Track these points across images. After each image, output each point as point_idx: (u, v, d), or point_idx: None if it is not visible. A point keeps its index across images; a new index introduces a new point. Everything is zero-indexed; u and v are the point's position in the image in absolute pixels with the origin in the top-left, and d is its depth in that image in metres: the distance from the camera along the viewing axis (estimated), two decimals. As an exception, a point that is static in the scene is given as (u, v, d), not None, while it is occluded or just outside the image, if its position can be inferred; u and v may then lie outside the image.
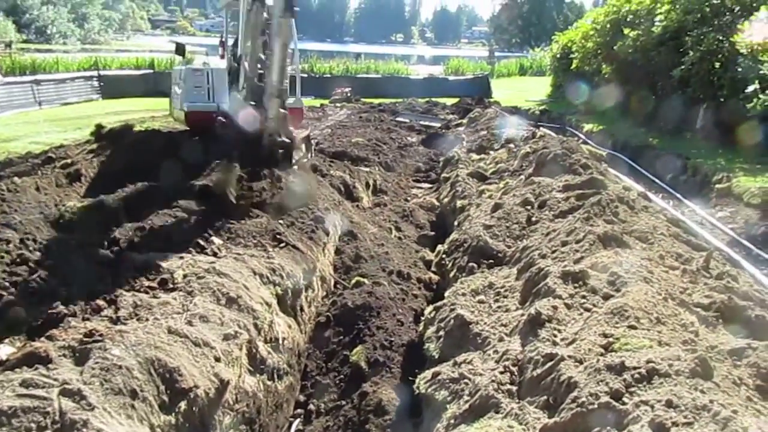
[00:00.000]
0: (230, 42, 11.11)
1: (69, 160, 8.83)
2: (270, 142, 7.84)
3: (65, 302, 3.87)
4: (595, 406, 2.79)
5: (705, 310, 4.07)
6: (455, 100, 26.58)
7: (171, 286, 4.54)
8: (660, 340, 3.37)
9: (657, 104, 17.58)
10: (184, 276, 4.74)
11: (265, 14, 7.97)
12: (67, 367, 3.17)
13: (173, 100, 11.99)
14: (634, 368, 2.98)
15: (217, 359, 3.93)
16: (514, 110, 22.88)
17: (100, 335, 3.45)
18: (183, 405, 3.47)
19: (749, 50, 11.03)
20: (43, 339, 3.41)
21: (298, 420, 5.00)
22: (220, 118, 8.60)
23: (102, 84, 25.04)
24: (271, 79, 7.80)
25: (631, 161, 14.49)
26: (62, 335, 3.45)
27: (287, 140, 8.06)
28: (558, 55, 27.78)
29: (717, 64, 14.39)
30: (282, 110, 8.05)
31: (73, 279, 4.28)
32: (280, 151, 8.05)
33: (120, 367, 3.23)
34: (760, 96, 10.65)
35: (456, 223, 8.24)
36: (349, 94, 27.54)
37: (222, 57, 11.89)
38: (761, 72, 10.74)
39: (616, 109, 19.75)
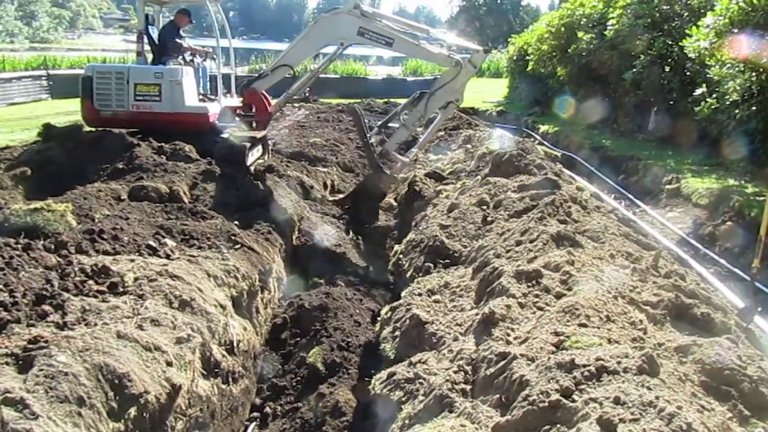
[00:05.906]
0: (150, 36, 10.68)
1: (15, 162, 8.53)
2: None
3: (8, 308, 3.73)
4: (546, 404, 2.83)
5: (653, 308, 4.16)
6: (414, 101, 26.60)
7: (121, 289, 4.42)
8: (609, 337, 3.43)
9: (610, 107, 17.99)
10: (135, 279, 4.63)
11: None
12: (10, 375, 3.06)
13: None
14: (584, 366, 3.03)
15: (169, 363, 3.85)
16: (472, 111, 23.06)
17: (46, 341, 3.34)
18: (133, 411, 3.39)
19: (697, 54, 11.32)
20: (-17, 347, 3.29)
21: (254, 423, 4.94)
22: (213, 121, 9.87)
23: (51, 84, 24.19)
24: None
25: (584, 162, 14.79)
26: (4, 342, 3.33)
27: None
28: (514, 57, 28.06)
29: (667, 68, 14.79)
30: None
31: (17, 284, 4.13)
32: None
33: (66, 373, 3.14)
34: (708, 99, 10.95)
35: (413, 223, 8.27)
36: (307, 95, 27.29)
37: (139, 54, 10.61)
38: (708, 76, 11.03)
39: (572, 111, 20.14)
